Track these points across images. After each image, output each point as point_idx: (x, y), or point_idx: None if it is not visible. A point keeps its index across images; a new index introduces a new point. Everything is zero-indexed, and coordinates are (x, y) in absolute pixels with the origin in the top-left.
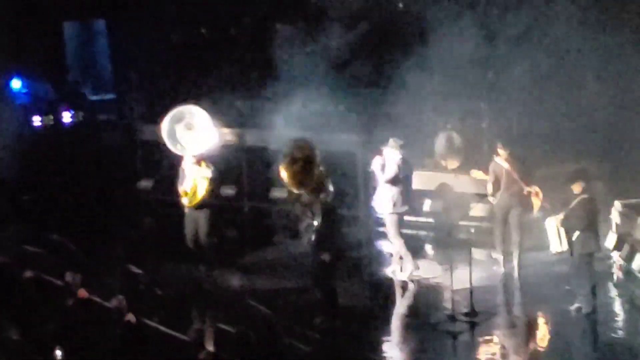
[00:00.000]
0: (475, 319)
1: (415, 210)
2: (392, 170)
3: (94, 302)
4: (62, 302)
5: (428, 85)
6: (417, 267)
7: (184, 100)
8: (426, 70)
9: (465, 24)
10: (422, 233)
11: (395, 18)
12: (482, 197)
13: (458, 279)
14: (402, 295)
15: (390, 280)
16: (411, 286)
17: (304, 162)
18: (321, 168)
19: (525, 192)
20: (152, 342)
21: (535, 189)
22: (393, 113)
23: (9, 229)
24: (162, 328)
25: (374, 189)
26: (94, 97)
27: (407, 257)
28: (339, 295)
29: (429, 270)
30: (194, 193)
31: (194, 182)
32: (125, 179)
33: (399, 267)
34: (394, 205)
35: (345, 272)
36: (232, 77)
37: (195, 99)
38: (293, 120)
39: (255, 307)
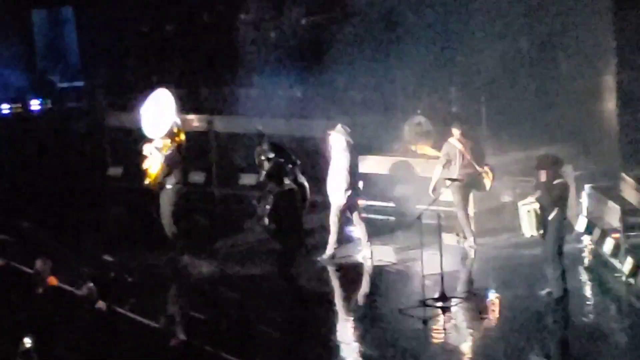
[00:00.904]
0: (446, 304)
1: (371, 196)
2: (338, 156)
3: (64, 290)
4: (32, 290)
5: (398, 70)
6: (371, 254)
7: (151, 87)
8: (395, 55)
9: (434, 8)
10: (392, 219)
11: (363, 2)
12: (452, 181)
13: (428, 265)
14: (372, 281)
15: (360, 265)
16: (381, 271)
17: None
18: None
19: (478, 173)
20: (122, 329)
21: (486, 169)
22: (362, 98)
23: None
24: (132, 315)
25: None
26: (62, 85)
27: (365, 240)
28: (309, 281)
29: (399, 255)
30: (156, 175)
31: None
32: (95, 166)
33: (369, 251)
34: (344, 191)
35: (311, 258)
36: (199, 64)
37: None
38: (261, 106)
39: (226, 294)
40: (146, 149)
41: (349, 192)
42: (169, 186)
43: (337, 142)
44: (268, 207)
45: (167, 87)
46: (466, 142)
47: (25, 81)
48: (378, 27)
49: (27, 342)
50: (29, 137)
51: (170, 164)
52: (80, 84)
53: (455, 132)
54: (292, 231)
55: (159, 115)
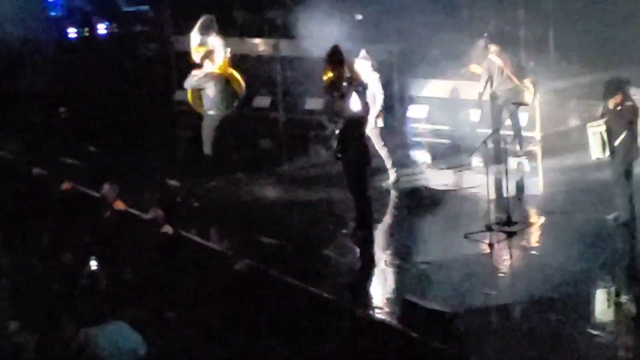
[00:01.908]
0: (512, 228)
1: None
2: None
3: (131, 214)
4: (99, 213)
5: None
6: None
7: (217, 11)
8: None
9: None
10: (457, 143)
11: None
12: (518, 105)
13: (495, 189)
14: (438, 205)
15: (425, 189)
16: (445, 196)
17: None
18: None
19: (518, 87)
20: (188, 253)
21: (527, 83)
22: (428, 22)
23: (46, 141)
24: (198, 239)
25: (410, 98)
26: (128, 9)
27: (390, 166)
28: (376, 204)
29: (467, 179)
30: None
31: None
32: (161, 90)
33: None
34: (376, 116)
35: (377, 182)
36: None
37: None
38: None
39: (292, 219)
40: (192, 73)
41: (381, 117)
42: (209, 112)
43: (364, 68)
44: (336, 130)
45: (230, 11)
46: (505, 58)
47: (92, 5)
48: None
49: (94, 264)
50: (97, 61)
51: (201, 90)
52: (145, 7)
53: (493, 48)
54: (359, 154)
55: (197, 40)
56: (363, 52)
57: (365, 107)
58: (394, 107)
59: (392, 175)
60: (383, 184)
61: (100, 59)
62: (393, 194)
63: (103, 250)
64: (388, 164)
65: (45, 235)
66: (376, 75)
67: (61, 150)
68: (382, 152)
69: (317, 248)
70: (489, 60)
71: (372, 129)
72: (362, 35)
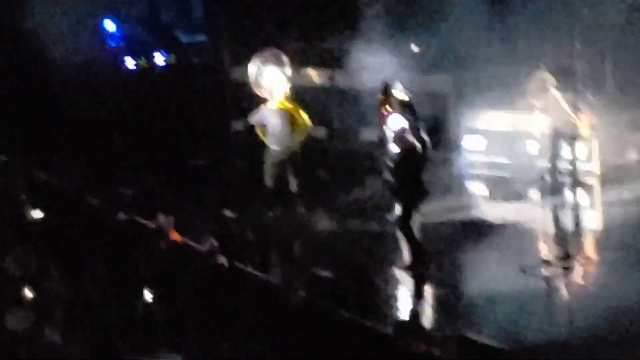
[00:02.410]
0: (570, 262)
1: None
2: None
3: (186, 245)
4: (155, 244)
5: (521, 24)
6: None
7: (274, 41)
8: (517, 8)
9: None
10: (515, 176)
11: None
12: (575, 138)
13: (551, 222)
14: (494, 238)
15: (482, 221)
16: (504, 228)
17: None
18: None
19: (575, 119)
20: (242, 285)
21: (584, 115)
22: (485, 53)
23: (103, 171)
24: (253, 271)
25: (467, 129)
26: (187, 40)
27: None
28: (432, 238)
29: (523, 213)
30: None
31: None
32: (218, 121)
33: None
34: None
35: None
36: (321, 18)
37: (285, 41)
38: (384, 61)
39: (346, 251)
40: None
41: None
42: (273, 147)
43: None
44: (390, 163)
45: (289, 41)
46: (562, 90)
47: (151, 36)
48: None
49: (149, 295)
50: (154, 91)
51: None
52: (204, 38)
53: (551, 80)
54: (413, 188)
55: (262, 75)
56: (398, 85)
57: (422, 141)
58: (450, 138)
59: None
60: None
61: (157, 90)
62: (449, 226)
63: (158, 281)
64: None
65: (101, 266)
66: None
67: (118, 180)
68: None
69: (372, 281)
70: (547, 92)
71: None
72: (419, 66)
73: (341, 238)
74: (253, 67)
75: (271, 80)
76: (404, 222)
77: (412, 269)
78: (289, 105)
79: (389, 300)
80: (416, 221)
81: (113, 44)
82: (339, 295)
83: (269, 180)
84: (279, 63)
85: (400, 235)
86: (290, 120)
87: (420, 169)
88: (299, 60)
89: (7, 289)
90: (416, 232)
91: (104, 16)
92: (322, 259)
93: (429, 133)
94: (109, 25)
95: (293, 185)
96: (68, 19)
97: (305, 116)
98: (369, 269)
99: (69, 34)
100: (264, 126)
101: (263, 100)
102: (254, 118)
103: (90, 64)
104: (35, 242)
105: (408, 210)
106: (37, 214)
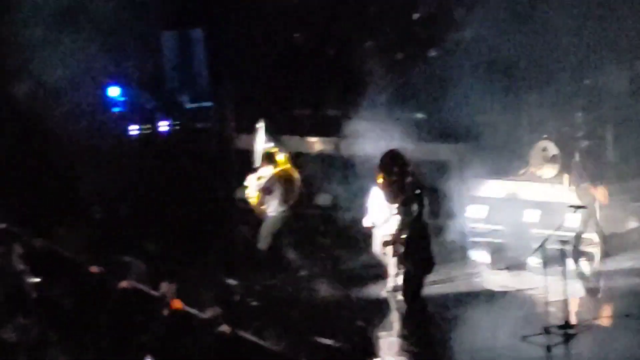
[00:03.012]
0: (571, 331)
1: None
2: None
3: (189, 313)
4: (157, 312)
5: (524, 93)
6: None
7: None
8: (521, 79)
9: (561, 33)
10: (518, 243)
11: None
12: (577, 207)
13: (552, 291)
14: (495, 306)
15: (484, 290)
16: (504, 297)
17: (398, 174)
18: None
19: (577, 188)
20: (246, 353)
21: (585, 185)
22: (489, 122)
23: (106, 238)
24: (256, 340)
25: (471, 197)
26: (191, 106)
27: (393, 273)
28: (435, 305)
29: (524, 281)
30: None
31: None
32: (222, 188)
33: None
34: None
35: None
36: (326, 86)
37: (290, 108)
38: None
39: (351, 319)
40: (249, 177)
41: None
42: (272, 213)
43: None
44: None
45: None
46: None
47: (154, 102)
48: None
49: None
50: (157, 158)
51: (265, 193)
52: (208, 104)
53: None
54: (422, 257)
55: (255, 144)
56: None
57: (433, 212)
58: (453, 206)
59: (392, 281)
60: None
61: (160, 156)
62: (450, 293)
63: (160, 349)
64: (392, 270)
65: (103, 334)
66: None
67: (120, 248)
68: (389, 256)
69: (373, 350)
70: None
71: (385, 232)
72: (423, 135)
73: (344, 306)
74: (257, 137)
75: (270, 148)
76: (407, 289)
77: (413, 334)
78: (289, 170)
79: None
80: (420, 290)
81: (116, 109)
82: None
83: (263, 244)
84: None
85: (400, 303)
86: (289, 184)
87: (427, 238)
88: (303, 128)
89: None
90: (418, 301)
91: (109, 82)
92: (325, 327)
93: (432, 202)
94: (113, 92)
95: (288, 250)
96: (71, 84)
97: (299, 179)
98: (371, 336)
99: (72, 99)
100: (263, 190)
101: (256, 169)
102: (258, 186)
103: (94, 129)
104: (35, 310)
105: (415, 280)
106: (36, 281)
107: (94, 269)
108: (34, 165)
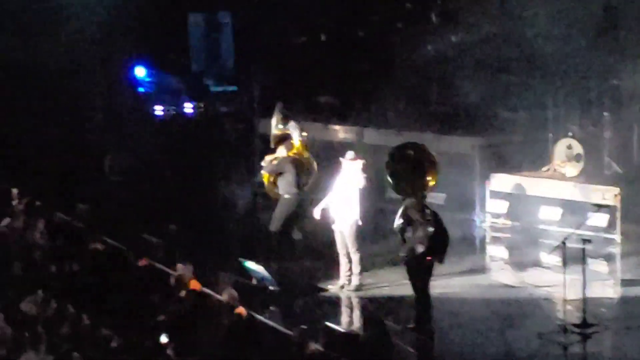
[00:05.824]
0: (588, 330)
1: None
2: (350, 182)
3: (206, 294)
4: (174, 292)
5: (550, 92)
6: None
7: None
8: (548, 76)
9: (589, 34)
10: (538, 240)
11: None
12: (599, 207)
13: (571, 289)
14: (513, 303)
15: (502, 285)
16: (524, 293)
17: (413, 164)
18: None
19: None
20: (260, 336)
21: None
22: (511, 118)
23: (130, 217)
24: (270, 323)
25: (492, 193)
26: (216, 89)
27: (356, 270)
28: (451, 300)
29: (543, 278)
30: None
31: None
32: (243, 171)
33: (358, 282)
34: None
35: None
36: (351, 74)
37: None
38: (411, 120)
39: (365, 306)
40: (266, 158)
41: (359, 221)
42: (286, 196)
43: (352, 168)
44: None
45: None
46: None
47: (180, 84)
48: (532, 48)
49: (163, 339)
50: (181, 139)
51: (276, 174)
52: (233, 88)
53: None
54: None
55: (276, 125)
56: (350, 154)
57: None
58: (474, 201)
59: (355, 280)
60: (338, 289)
61: (185, 138)
62: (469, 288)
63: (176, 329)
64: (356, 269)
65: (120, 310)
66: (364, 176)
67: (143, 228)
68: (355, 256)
69: (386, 338)
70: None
71: (350, 226)
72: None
73: (360, 294)
74: (272, 120)
75: (285, 130)
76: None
77: (419, 329)
78: (303, 154)
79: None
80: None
81: (143, 90)
82: (355, 352)
83: (274, 226)
84: (289, 115)
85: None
86: (303, 167)
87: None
88: (327, 115)
89: (24, 330)
90: (424, 294)
91: (136, 62)
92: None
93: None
94: (139, 72)
95: (297, 233)
96: (100, 63)
97: (314, 163)
98: (387, 326)
99: (98, 79)
100: (278, 174)
101: (272, 151)
102: (269, 168)
103: (119, 109)
104: (53, 285)
105: (419, 273)
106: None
107: (143, 261)
108: (58, 142)
